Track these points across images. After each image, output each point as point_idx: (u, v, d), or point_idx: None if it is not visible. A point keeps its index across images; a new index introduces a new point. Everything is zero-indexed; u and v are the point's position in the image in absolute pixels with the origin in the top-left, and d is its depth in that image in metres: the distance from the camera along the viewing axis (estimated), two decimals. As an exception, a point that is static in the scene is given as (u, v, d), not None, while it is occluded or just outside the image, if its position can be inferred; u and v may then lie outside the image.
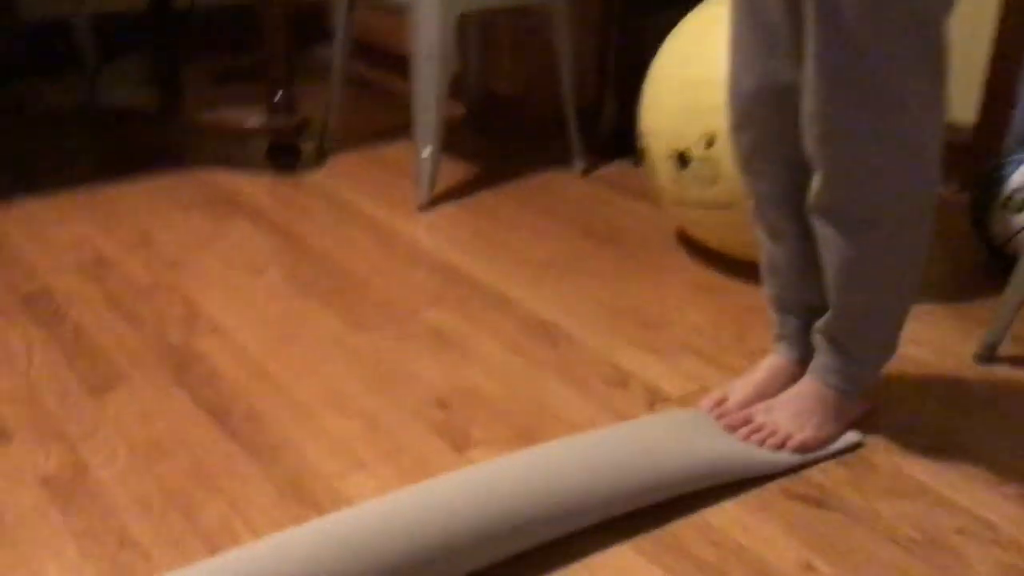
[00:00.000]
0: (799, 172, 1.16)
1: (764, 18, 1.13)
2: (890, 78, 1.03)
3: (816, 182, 1.12)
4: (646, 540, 1.06)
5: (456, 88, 2.35)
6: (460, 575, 0.97)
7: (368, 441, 1.21)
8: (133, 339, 1.41)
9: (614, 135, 2.24)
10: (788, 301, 1.28)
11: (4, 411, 1.23)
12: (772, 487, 1.15)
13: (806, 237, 1.20)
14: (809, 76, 1.06)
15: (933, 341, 1.48)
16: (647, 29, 2.03)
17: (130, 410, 1.25)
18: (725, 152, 1.49)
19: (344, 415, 1.26)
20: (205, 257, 1.68)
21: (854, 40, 1.02)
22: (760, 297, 1.35)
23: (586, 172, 2.15)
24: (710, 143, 1.52)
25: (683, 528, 1.08)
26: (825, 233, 1.14)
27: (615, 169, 2.18)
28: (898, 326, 1.21)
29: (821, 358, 1.23)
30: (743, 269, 1.64)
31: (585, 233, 1.85)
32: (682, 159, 1.56)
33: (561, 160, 2.18)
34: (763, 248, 1.27)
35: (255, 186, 1.98)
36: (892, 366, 1.31)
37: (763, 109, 1.17)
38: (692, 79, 1.55)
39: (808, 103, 1.08)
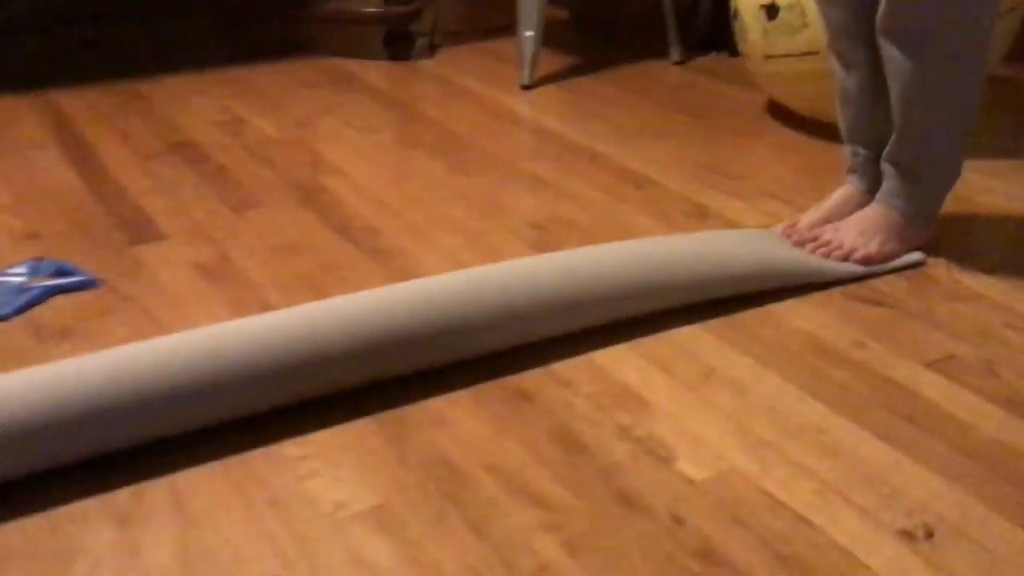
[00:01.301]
0: (869, 1, 1.25)
1: None
2: None
3: (883, 3, 1.21)
4: (717, 323, 1.19)
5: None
6: (540, 334, 1.12)
7: (472, 250, 1.37)
8: (267, 176, 1.60)
9: (709, 31, 2.34)
10: (858, 132, 1.37)
11: (160, 219, 1.44)
12: (834, 292, 1.27)
13: (876, 67, 1.30)
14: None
15: (1004, 191, 1.55)
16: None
17: (266, 223, 1.44)
18: None
19: (450, 232, 1.42)
20: (327, 120, 1.86)
21: None
22: (841, 156, 1.45)
23: (681, 62, 2.26)
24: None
25: (749, 315, 1.20)
26: (890, 54, 1.23)
27: (709, 60, 2.28)
28: (960, 149, 1.30)
29: (887, 183, 1.33)
30: (827, 131, 1.73)
31: (677, 109, 1.96)
32: (771, 10, 1.67)
33: (658, 53, 2.30)
34: (837, 80, 1.37)
35: (372, 70, 2.16)
36: (959, 208, 1.40)
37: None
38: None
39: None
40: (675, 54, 2.26)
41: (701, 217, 1.48)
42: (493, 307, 1.08)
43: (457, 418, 1.02)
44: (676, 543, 0.86)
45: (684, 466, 0.95)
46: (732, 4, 1.82)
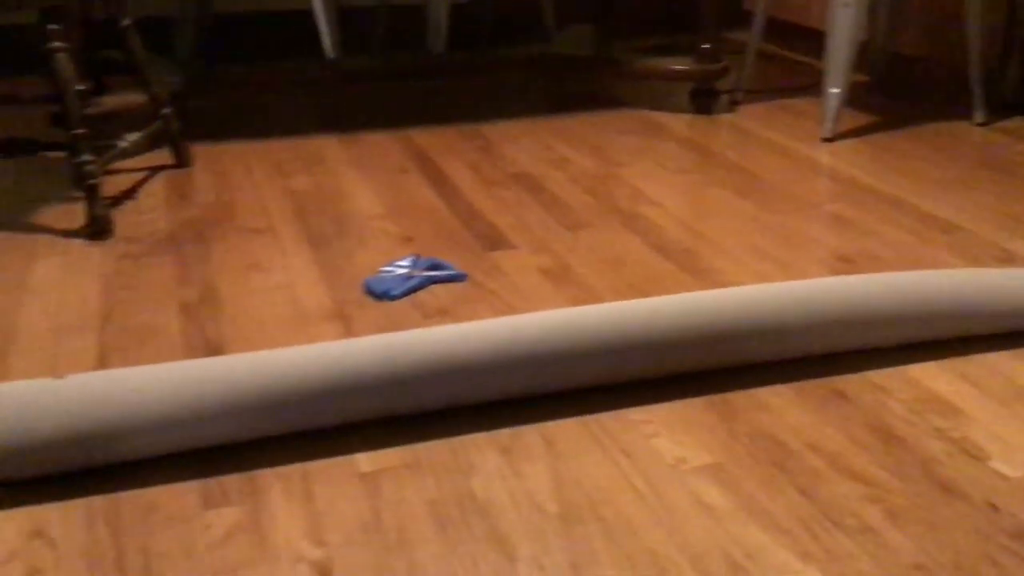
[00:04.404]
0: None
1: None
2: None
3: None
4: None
5: (861, 59, 2.57)
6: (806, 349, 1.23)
7: (783, 276, 1.50)
8: (592, 203, 1.82)
9: (1016, 93, 2.35)
10: None
11: (508, 232, 1.68)
12: None
13: None
14: None
15: None
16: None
17: (596, 240, 1.64)
18: None
19: (761, 259, 1.57)
20: (640, 161, 2.06)
21: None
22: None
23: (984, 124, 2.28)
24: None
25: None
26: None
27: (1016, 123, 2.29)
28: None
29: None
30: None
31: (982, 165, 2.00)
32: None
33: (960, 114, 2.33)
34: None
35: (677, 121, 2.35)
36: None
37: None
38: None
39: None
40: (979, 116, 2.29)
41: (1010, 261, 1.53)
42: (811, 313, 1.21)
43: (780, 406, 1.15)
44: (993, 525, 0.94)
45: (998, 464, 1.03)
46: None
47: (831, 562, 0.90)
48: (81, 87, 1.66)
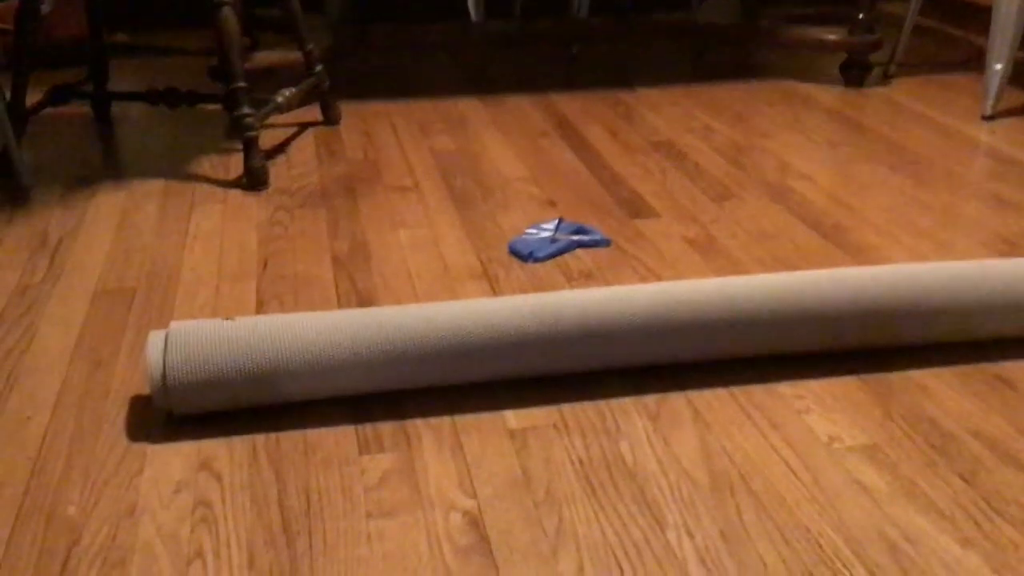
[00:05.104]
0: None
1: None
2: None
3: None
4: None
5: None
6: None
7: (939, 255, 1.45)
8: (738, 175, 1.78)
9: None
10: None
11: (651, 200, 1.66)
12: None
13: None
14: None
15: None
16: None
17: (743, 212, 1.61)
18: None
19: (917, 237, 1.51)
20: (788, 133, 2.01)
21: None
22: None
23: None
24: None
25: None
26: None
27: None
28: None
29: None
30: None
31: None
32: None
33: None
34: None
35: (827, 93, 2.28)
36: None
37: None
38: None
39: None
40: None
41: None
42: (974, 295, 1.16)
43: (939, 389, 1.11)
44: None
45: None
46: None
47: (995, 550, 0.87)
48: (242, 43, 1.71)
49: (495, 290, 1.36)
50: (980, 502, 0.93)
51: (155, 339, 1.04)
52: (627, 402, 1.10)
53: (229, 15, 1.67)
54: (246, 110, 1.69)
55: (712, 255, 1.46)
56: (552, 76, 2.44)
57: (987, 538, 0.89)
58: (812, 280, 1.15)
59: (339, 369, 1.04)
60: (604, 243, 1.49)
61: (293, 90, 1.87)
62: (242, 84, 1.69)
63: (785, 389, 1.12)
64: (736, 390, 1.12)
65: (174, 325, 1.06)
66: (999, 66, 2.08)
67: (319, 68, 1.98)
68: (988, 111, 2.09)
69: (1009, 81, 2.14)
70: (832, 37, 2.29)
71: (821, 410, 1.08)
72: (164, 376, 1.02)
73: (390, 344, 1.05)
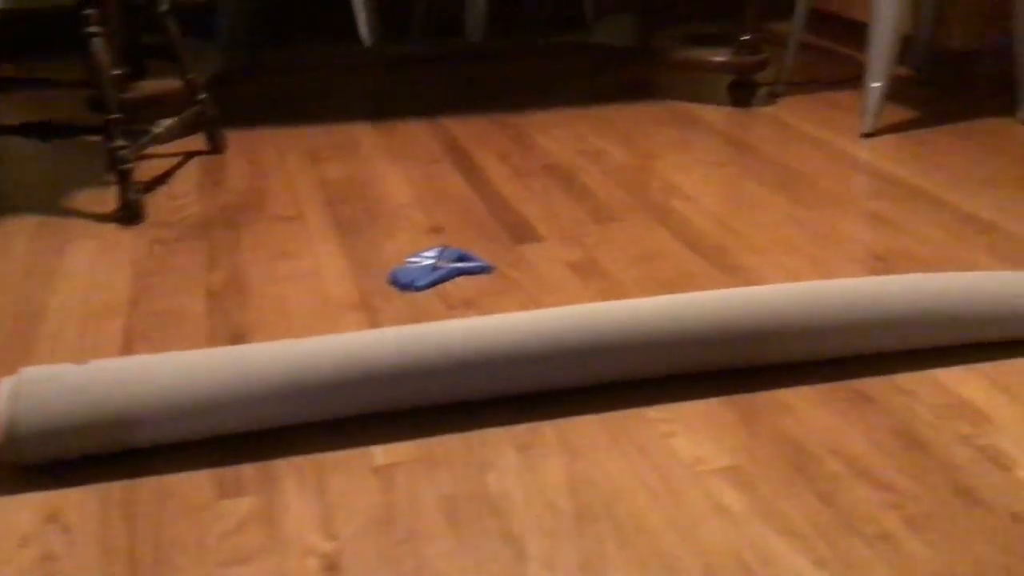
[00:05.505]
0: None
1: None
2: None
3: None
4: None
5: (904, 53, 2.52)
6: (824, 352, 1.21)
7: (815, 273, 1.48)
8: (624, 196, 1.80)
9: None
10: None
11: (537, 224, 1.67)
12: None
13: None
14: None
15: None
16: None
17: (625, 235, 1.63)
18: None
19: (793, 256, 1.54)
20: (675, 153, 2.04)
21: None
22: None
23: (1032, 120, 2.23)
24: None
25: (1100, 355, 1.22)
26: None
27: (1064, 119, 2.23)
28: None
29: None
30: None
31: (1026, 162, 1.96)
32: None
33: (1006, 111, 2.27)
34: None
35: (714, 113, 2.32)
36: None
37: None
38: None
39: None
40: (1023, 111, 2.23)
41: (1050, 263, 1.49)
42: (837, 314, 1.19)
43: (802, 408, 1.13)
44: (1015, 535, 0.92)
45: (1023, 474, 1.01)
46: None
47: (847, 569, 0.89)
48: (117, 72, 1.67)
49: (374, 321, 1.34)
50: (835, 521, 0.95)
51: (3, 387, 1.01)
52: (498, 432, 1.09)
53: (100, 45, 1.63)
54: (120, 142, 1.65)
55: (594, 279, 1.47)
56: (446, 99, 2.44)
57: (841, 558, 0.90)
58: (676, 303, 1.16)
59: (196, 412, 1.01)
60: (487, 270, 1.48)
61: (173, 120, 1.84)
62: (116, 115, 1.65)
63: (654, 413, 1.13)
64: (607, 416, 1.12)
65: (24, 372, 1.02)
66: (876, 84, 2.14)
67: (202, 96, 1.95)
68: (868, 128, 2.15)
69: (889, 97, 2.21)
70: (719, 58, 2.33)
71: (688, 432, 1.09)
72: (12, 425, 0.98)
73: (249, 383, 1.03)
